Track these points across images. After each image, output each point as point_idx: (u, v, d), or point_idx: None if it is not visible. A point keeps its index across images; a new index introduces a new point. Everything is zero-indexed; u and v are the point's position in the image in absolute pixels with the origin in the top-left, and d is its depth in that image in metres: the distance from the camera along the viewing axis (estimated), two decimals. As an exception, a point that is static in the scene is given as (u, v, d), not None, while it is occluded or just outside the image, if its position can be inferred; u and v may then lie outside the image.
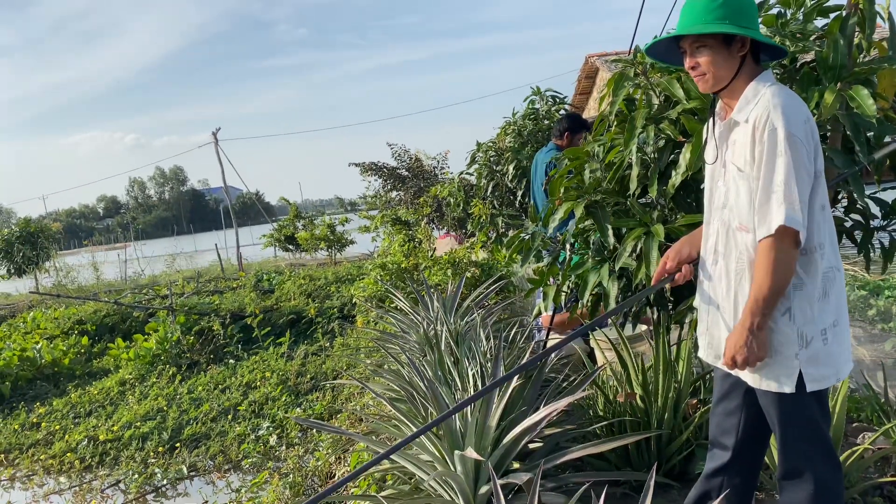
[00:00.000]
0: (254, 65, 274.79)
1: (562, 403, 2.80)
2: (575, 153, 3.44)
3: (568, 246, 3.43)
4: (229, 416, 7.12)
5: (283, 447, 6.10)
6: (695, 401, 3.17)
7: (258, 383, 7.86)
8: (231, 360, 8.97)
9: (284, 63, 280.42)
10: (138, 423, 7.16)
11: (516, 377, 3.12)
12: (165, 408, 7.52)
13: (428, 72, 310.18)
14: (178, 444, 6.69)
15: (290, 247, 19.94)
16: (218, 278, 15.81)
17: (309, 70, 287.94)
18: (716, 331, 2.20)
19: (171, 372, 8.78)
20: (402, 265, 7.36)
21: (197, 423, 7.03)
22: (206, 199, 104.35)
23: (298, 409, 6.94)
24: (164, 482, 6.04)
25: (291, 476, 4.44)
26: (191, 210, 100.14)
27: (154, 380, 8.63)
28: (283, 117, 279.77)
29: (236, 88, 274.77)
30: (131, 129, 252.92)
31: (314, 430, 6.03)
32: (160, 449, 6.63)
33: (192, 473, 6.17)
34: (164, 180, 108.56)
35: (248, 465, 5.91)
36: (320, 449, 4.98)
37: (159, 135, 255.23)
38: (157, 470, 6.23)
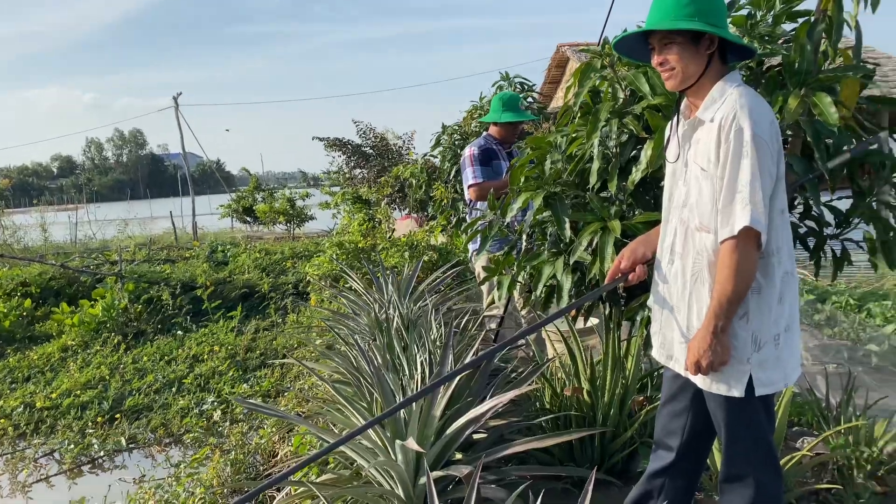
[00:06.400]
0: (222, 31, 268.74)
1: (508, 396, 2.76)
2: (537, 142, 3.39)
3: (524, 236, 3.38)
4: (174, 389, 6.97)
5: (227, 423, 5.97)
6: (641, 398, 3.16)
7: (206, 357, 7.71)
8: (179, 332, 8.79)
9: (254, 31, 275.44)
10: (78, 392, 6.97)
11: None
12: (108, 377, 7.33)
13: (400, 50, 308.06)
14: (118, 415, 6.53)
15: (248, 219, 19.67)
16: (171, 247, 15.47)
17: (279, 40, 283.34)
18: (668, 332, 2.17)
19: (115, 340, 8.56)
20: (360, 245, 7.26)
21: (139, 395, 6.87)
22: (165, 165, 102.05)
23: (245, 385, 6.82)
24: (101, 453, 5.88)
25: (233, 453, 4.34)
26: (148, 175, 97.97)
27: (98, 348, 8.41)
28: (248, 86, 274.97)
29: (203, 54, 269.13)
30: (91, 87, 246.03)
31: (260, 408, 5.92)
32: (99, 419, 6.46)
33: (131, 446, 6.02)
34: (123, 143, 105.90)
35: (189, 440, 5.77)
36: (265, 427, 4.89)
37: (119, 96, 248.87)
38: (94, 441, 6.06)
